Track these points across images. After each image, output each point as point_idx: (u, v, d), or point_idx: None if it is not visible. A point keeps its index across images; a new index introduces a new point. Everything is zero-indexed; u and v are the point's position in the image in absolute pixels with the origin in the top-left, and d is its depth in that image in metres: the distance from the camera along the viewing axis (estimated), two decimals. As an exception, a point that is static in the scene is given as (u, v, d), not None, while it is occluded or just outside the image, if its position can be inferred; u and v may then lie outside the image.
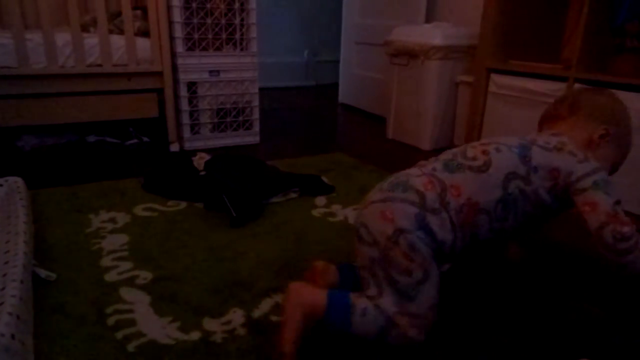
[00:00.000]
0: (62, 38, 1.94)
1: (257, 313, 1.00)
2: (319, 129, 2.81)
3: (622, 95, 1.47)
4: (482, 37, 1.95)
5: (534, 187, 0.91)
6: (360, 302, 0.85)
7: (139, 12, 2.23)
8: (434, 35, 2.22)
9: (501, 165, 0.91)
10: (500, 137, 0.99)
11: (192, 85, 2.19)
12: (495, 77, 1.94)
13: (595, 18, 1.60)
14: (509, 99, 1.89)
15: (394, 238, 0.84)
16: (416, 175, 0.91)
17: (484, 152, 0.93)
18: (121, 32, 2.09)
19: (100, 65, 2.01)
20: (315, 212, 1.53)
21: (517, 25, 1.95)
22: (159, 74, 2.13)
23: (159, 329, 0.94)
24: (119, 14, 2.13)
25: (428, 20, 2.66)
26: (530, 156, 0.92)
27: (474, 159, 0.93)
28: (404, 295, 0.84)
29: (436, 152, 2.34)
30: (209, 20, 2.13)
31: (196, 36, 2.12)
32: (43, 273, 1.07)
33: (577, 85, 1.61)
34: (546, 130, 1.07)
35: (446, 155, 0.98)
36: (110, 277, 1.12)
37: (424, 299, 0.84)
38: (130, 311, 0.99)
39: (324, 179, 1.76)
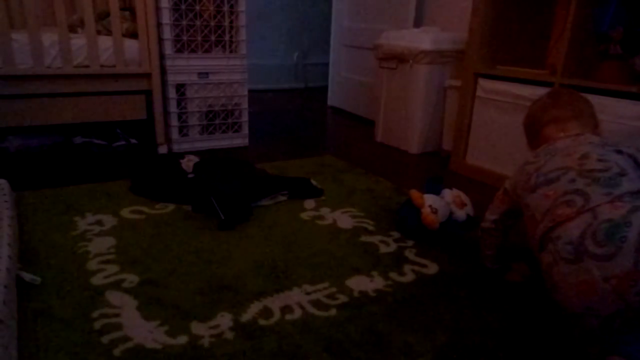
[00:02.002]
0: (49, 38, 1.91)
1: (245, 317, 0.99)
2: (308, 131, 2.82)
3: (606, 101, 1.50)
4: (470, 42, 1.97)
5: None
6: None
7: (127, 13, 2.22)
8: (423, 39, 2.24)
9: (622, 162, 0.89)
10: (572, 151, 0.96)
11: (180, 87, 2.18)
12: (482, 82, 1.96)
13: (580, 25, 1.62)
14: (496, 104, 1.91)
15: None
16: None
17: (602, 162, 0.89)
18: (109, 33, 2.07)
19: (87, 66, 1.99)
20: (304, 215, 1.53)
21: (505, 31, 1.97)
22: (147, 76, 2.11)
23: (145, 333, 0.93)
24: (107, 14, 2.11)
25: (417, 24, 2.68)
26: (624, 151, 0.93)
27: (606, 170, 0.87)
28: None
29: (424, 155, 2.37)
30: (198, 22, 2.12)
31: (185, 38, 2.11)
32: (27, 277, 1.05)
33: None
34: (560, 130, 1.07)
35: (586, 179, 0.87)
36: (97, 280, 1.10)
37: None
38: (117, 315, 0.98)
39: (313, 182, 1.76)
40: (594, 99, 1.52)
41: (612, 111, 1.49)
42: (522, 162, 1.07)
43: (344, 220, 1.51)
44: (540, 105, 1.16)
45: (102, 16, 2.23)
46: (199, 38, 2.15)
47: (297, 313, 1.02)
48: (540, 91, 1.72)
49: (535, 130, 1.14)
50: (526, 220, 0.98)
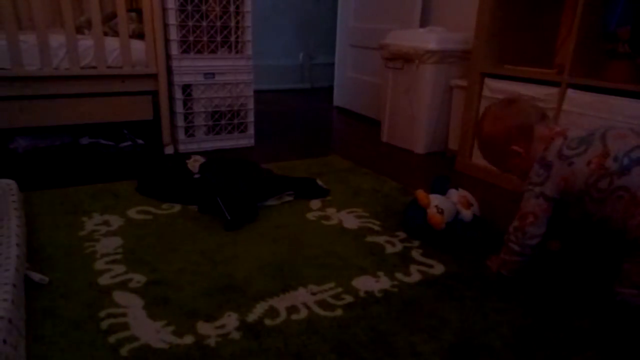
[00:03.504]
0: (56, 40, 1.93)
1: (251, 317, 1.00)
2: (314, 132, 2.82)
3: (614, 100, 1.49)
4: (477, 42, 1.96)
5: None
6: None
7: (133, 14, 2.23)
8: (429, 39, 2.23)
9: None
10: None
11: (186, 88, 2.19)
12: (489, 82, 1.95)
13: (588, 24, 1.61)
14: (502, 104, 1.90)
15: None
16: None
17: None
18: (116, 34, 2.08)
19: (94, 67, 2.01)
20: (310, 216, 1.53)
21: (511, 31, 1.96)
22: (154, 77, 2.12)
23: (152, 332, 0.94)
24: (114, 15, 2.13)
25: (423, 24, 2.67)
26: None
27: None
28: None
29: (430, 155, 2.36)
30: (204, 23, 2.13)
31: (191, 39, 2.12)
32: (36, 276, 1.06)
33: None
34: (551, 127, 1.17)
35: None
36: (104, 280, 1.11)
37: None
38: (124, 315, 0.99)
39: (319, 182, 1.76)
40: (601, 98, 1.53)
41: (619, 111, 1.48)
42: (554, 155, 1.09)
43: (350, 220, 1.51)
44: (514, 109, 1.20)
45: (109, 18, 2.25)
46: (205, 39, 2.15)
47: (303, 313, 1.02)
48: (548, 90, 1.72)
49: (526, 131, 1.16)
50: (615, 201, 1.00)
